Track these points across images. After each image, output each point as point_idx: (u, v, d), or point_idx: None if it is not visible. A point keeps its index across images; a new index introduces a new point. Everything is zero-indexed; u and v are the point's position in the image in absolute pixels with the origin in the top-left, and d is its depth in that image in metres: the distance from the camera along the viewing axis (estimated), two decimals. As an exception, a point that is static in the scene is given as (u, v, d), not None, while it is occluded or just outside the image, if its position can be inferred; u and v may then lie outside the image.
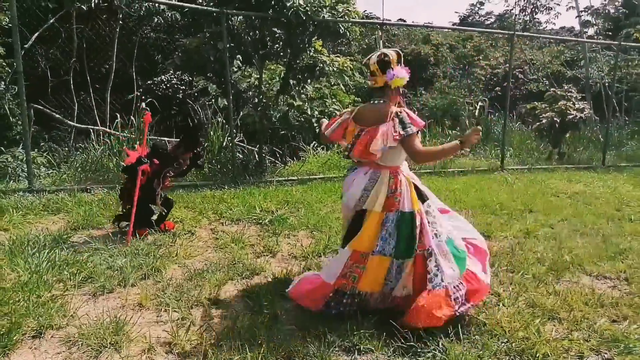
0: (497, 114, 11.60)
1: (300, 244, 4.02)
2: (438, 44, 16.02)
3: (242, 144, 7.70)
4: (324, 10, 6.46)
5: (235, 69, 7.46)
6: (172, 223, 4.35)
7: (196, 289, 3.01)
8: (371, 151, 2.68)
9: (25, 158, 5.64)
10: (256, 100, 7.30)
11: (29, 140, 5.47)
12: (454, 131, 10.48)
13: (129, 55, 9.15)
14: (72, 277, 3.11)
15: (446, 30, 18.50)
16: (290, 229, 4.42)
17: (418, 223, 2.72)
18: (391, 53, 2.76)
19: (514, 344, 2.50)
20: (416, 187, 2.83)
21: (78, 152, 6.65)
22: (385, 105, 2.77)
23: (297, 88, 7.24)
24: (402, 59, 2.82)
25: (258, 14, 6.42)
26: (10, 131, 6.97)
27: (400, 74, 2.75)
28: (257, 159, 7.19)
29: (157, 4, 8.73)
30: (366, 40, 15.14)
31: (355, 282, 2.73)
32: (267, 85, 7.81)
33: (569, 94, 9.47)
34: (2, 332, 2.39)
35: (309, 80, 7.38)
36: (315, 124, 6.90)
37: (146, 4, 8.77)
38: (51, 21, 7.71)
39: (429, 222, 2.76)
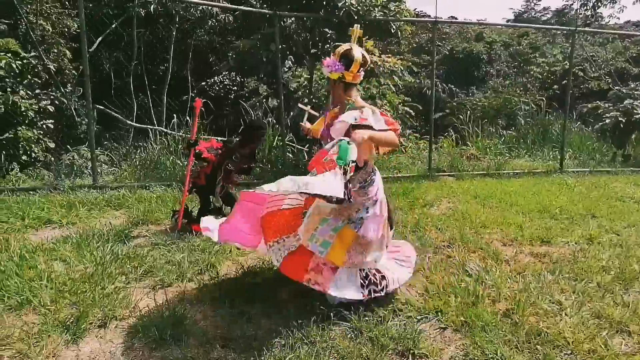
0: (555, 114, 11.06)
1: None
2: (492, 41, 15.52)
3: (292, 144, 7.78)
4: (376, 9, 6.41)
5: (286, 70, 7.55)
6: None
7: (250, 286, 3.07)
8: None
9: (90, 156, 5.97)
10: (306, 100, 7.35)
11: (93, 140, 5.78)
12: (508, 131, 10.11)
13: (184, 58, 9.49)
14: (133, 270, 3.26)
15: (500, 27, 17.89)
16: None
17: None
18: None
19: (578, 357, 2.37)
20: None
21: (137, 151, 6.97)
22: None
23: (347, 88, 7.22)
24: None
25: (309, 14, 6.46)
26: (75, 130, 7.42)
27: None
28: (307, 158, 7.25)
29: (210, 7, 8.98)
30: (416, 39, 14.90)
31: None
32: (317, 85, 7.86)
33: (635, 92, 8.90)
34: (72, 320, 2.54)
35: (359, 80, 7.35)
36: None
37: (200, 8, 9.05)
38: (114, 25, 8.11)
39: None
